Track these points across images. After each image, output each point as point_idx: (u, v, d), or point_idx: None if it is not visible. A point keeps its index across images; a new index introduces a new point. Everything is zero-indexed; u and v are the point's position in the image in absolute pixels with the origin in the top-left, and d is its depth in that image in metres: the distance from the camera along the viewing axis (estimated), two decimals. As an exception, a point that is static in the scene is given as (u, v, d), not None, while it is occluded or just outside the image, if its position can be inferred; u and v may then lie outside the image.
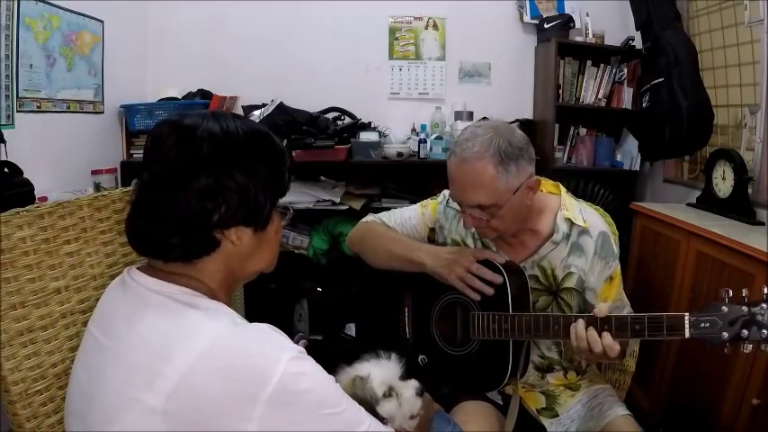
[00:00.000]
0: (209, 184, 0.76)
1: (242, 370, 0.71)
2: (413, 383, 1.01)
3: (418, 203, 1.52)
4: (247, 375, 0.70)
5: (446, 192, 1.48)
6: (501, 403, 1.37)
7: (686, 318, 1.04)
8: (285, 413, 0.71)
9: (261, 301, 2.51)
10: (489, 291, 1.22)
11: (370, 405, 0.93)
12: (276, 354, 0.73)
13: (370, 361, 1.03)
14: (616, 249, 1.34)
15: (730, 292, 1.02)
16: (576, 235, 1.31)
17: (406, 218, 1.49)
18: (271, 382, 0.70)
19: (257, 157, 0.81)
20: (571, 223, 1.31)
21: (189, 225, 0.77)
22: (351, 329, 2.73)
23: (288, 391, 0.71)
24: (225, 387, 0.70)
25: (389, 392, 0.98)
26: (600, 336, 1.11)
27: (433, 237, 1.47)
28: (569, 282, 1.31)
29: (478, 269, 1.24)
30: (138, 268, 0.84)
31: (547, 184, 1.39)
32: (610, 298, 1.33)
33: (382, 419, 0.92)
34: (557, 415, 1.39)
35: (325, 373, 0.78)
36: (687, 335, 1.04)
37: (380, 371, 1.01)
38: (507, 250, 1.36)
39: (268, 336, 0.76)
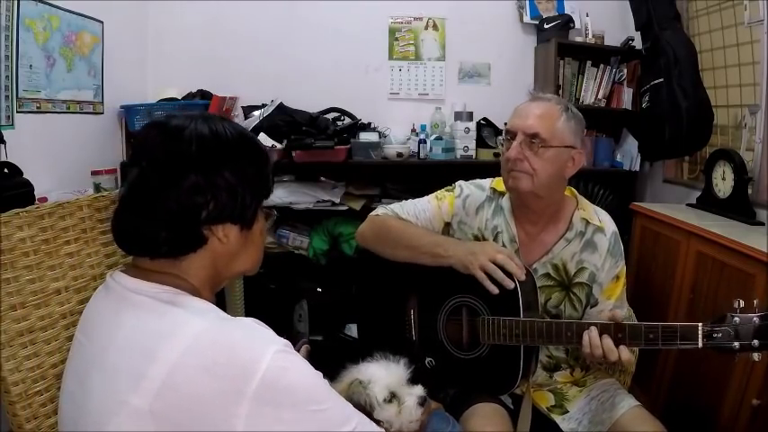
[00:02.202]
0: (199, 181, 0.77)
1: (226, 365, 0.70)
2: (417, 390, 1.01)
3: (432, 195, 1.49)
4: (232, 370, 0.70)
5: (462, 183, 1.49)
6: (512, 407, 1.37)
7: (699, 328, 1.05)
8: (271, 409, 0.71)
9: (261, 302, 2.52)
10: (510, 284, 1.21)
11: (365, 410, 0.93)
12: (261, 347, 0.73)
13: (378, 362, 1.03)
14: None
15: (742, 303, 1.04)
16: (591, 233, 1.37)
17: (420, 210, 1.46)
18: (256, 377, 0.70)
19: (245, 158, 0.83)
20: (587, 222, 1.38)
21: (178, 220, 0.77)
22: (351, 330, 2.73)
23: (273, 386, 0.71)
24: (210, 384, 0.69)
25: (391, 398, 0.99)
26: (617, 346, 1.12)
27: (447, 231, 1.45)
28: (582, 276, 1.36)
29: (503, 259, 1.23)
30: (121, 270, 0.84)
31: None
32: (614, 296, 1.37)
33: (378, 422, 0.92)
34: (566, 411, 1.40)
35: (311, 368, 0.78)
36: (700, 345, 1.05)
37: (386, 374, 1.01)
38: (524, 248, 1.38)
39: (253, 330, 0.76)
